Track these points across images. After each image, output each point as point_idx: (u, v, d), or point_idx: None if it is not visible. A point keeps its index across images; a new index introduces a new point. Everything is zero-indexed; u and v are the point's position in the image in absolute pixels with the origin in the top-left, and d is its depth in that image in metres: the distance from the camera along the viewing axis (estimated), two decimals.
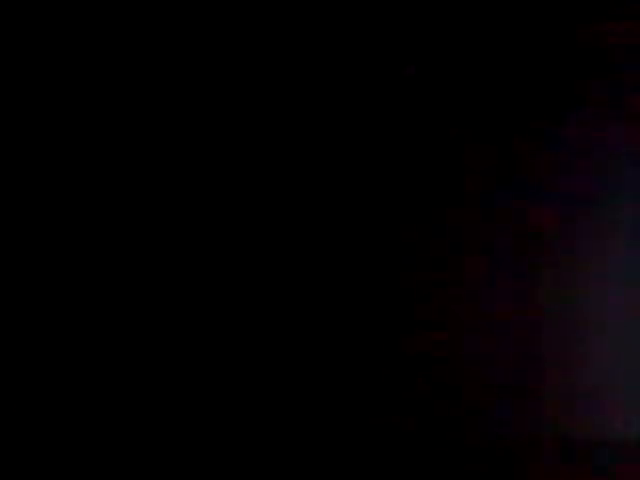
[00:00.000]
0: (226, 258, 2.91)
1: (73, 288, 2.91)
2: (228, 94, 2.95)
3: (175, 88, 2.96)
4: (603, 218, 2.82)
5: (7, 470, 2.83)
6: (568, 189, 2.84)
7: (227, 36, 2.95)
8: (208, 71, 2.96)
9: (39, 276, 2.92)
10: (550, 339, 2.81)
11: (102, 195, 2.94)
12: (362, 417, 2.85)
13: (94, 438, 2.87)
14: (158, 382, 2.89)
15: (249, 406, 2.87)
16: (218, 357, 2.89)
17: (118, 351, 2.90)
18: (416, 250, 2.87)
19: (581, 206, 2.84)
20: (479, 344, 2.82)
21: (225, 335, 2.89)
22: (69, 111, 2.96)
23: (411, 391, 2.84)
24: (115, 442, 2.88)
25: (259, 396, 2.87)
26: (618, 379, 2.77)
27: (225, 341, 2.89)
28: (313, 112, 2.93)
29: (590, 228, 2.82)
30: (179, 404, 2.89)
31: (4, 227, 2.92)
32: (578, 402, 2.79)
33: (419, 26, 2.90)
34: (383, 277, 2.88)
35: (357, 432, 2.84)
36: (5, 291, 2.90)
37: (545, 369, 2.80)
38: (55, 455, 2.86)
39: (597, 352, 2.79)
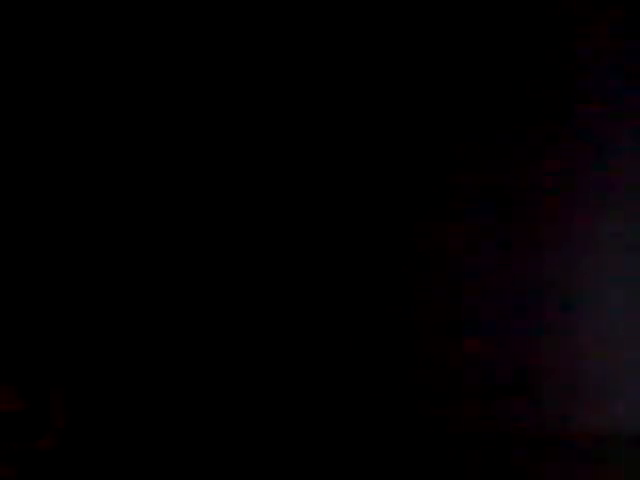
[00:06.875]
0: (225, 258, 2.92)
1: (73, 288, 2.91)
2: (228, 94, 2.97)
3: (175, 88, 2.97)
4: (601, 221, 2.85)
5: None
6: (566, 191, 2.87)
7: (227, 36, 2.97)
8: (208, 71, 2.97)
9: (39, 276, 2.91)
10: (550, 337, 2.82)
11: (102, 195, 2.95)
12: (360, 415, 2.85)
13: (93, 437, 2.86)
14: (158, 381, 2.89)
15: (251, 401, 2.87)
16: (219, 354, 2.89)
17: (117, 350, 2.90)
18: (414, 250, 2.88)
19: (579, 206, 2.86)
20: (478, 342, 2.83)
21: (227, 329, 2.89)
22: (69, 111, 2.97)
23: (410, 389, 2.84)
24: (113, 441, 2.86)
25: (260, 392, 2.87)
26: (618, 376, 2.78)
27: (227, 335, 2.89)
28: (309, 112, 2.94)
29: (589, 227, 2.85)
30: (179, 403, 2.88)
31: (4, 227, 2.92)
32: (578, 400, 2.79)
33: (416, 29, 2.93)
34: (381, 277, 2.88)
35: (355, 430, 2.84)
36: (5, 291, 2.90)
37: (545, 366, 2.81)
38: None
39: (597, 349, 2.81)
